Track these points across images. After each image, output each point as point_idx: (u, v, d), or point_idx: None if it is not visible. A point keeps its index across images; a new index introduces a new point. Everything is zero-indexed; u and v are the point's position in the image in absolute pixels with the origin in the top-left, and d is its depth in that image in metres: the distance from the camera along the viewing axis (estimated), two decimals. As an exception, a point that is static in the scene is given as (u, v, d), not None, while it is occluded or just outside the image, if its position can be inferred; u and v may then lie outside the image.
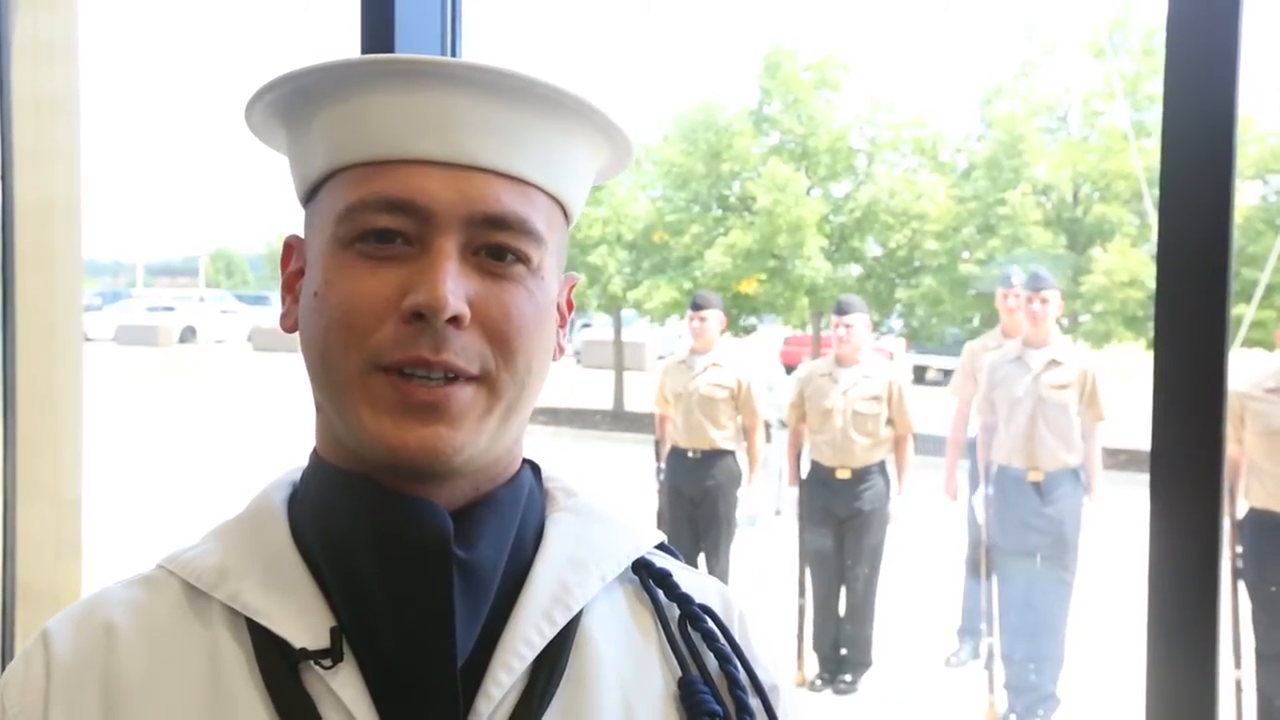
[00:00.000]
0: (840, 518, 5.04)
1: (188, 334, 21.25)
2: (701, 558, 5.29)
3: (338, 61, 0.71)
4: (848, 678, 5.08)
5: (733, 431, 5.29)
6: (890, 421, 5.00)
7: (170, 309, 22.16)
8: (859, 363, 5.03)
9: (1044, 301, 4.65)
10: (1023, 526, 4.72)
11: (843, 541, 5.08)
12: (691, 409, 5.23)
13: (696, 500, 5.29)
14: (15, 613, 2.30)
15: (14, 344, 2.31)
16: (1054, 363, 4.66)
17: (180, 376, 17.09)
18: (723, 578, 5.22)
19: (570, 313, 0.81)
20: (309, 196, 0.76)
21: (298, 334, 0.75)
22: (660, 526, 5.24)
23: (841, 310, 5.05)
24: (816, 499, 5.10)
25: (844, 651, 5.11)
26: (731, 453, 5.29)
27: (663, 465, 5.41)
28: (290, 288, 0.78)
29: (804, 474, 5.19)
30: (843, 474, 5.00)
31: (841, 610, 5.14)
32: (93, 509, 2.47)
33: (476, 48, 1.87)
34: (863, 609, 5.09)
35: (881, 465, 5.05)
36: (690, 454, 5.27)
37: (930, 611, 5.79)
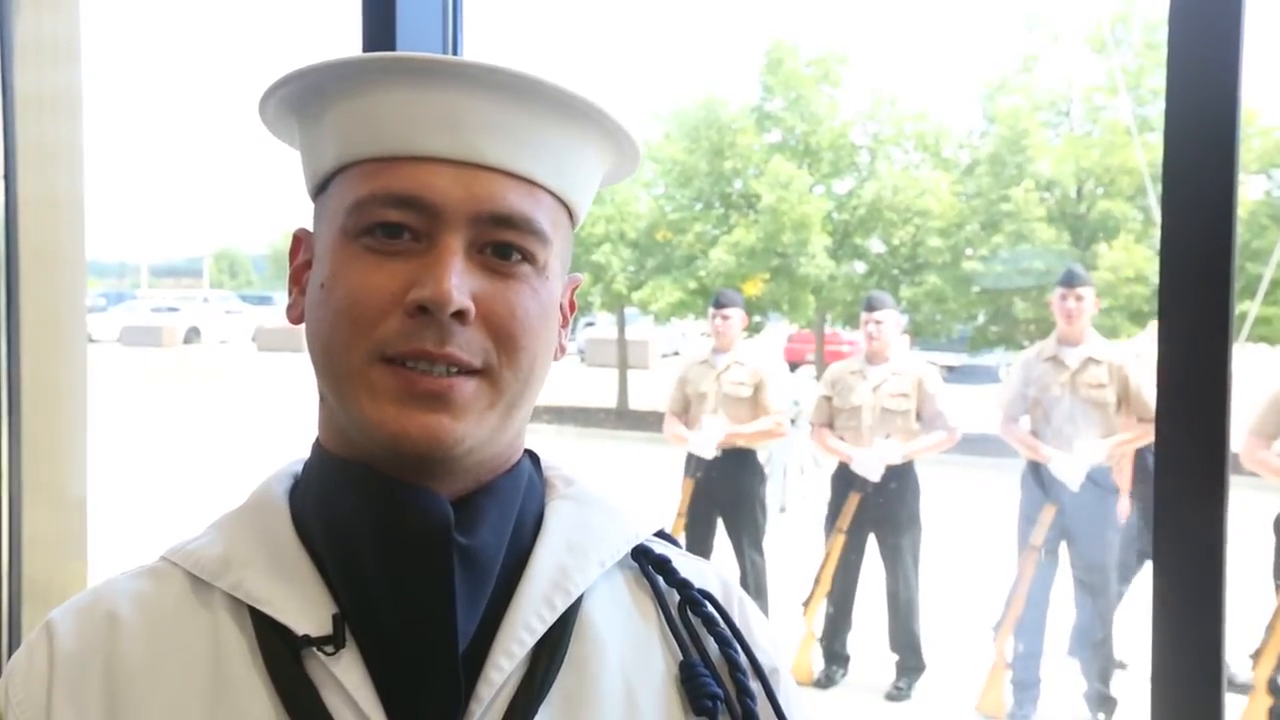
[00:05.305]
0: (864, 516, 5.01)
1: (192, 335, 21.29)
2: (733, 555, 5.23)
3: (351, 58, 0.72)
4: (902, 684, 5.00)
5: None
6: (919, 417, 4.95)
7: (175, 310, 22.18)
8: (888, 360, 4.99)
9: (1079, 299, 4.53)
10: (1055, 525, 4.65)
11: (864, 541, 5.04)
12: (715, 408, 5.18)
13: (722, 499, 5.23)
14: (21, 611, 2.31)
15: (18, 345, 2.31)
16: (1091, 360, 4.54)
17: (185, 377, 17.11)
18: (758, 573, 5.20)
19: (572, 313, 0.82)
20: (319, 190, 0.77)
21: (303, 326, 0.76)
22: (684, 525, 5.25)
23: (871, 306, 5.01)
24: (840, 496, 5.06)
25: (896, 658, 5.04)
26: (753, 449, 5.26)
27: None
28: (298, 279, 0.79)
29: (830, 471, 5.16)
30: None
31: (886, 613, 5.07)
32: (98, 508, 2.48)
33: (478, 45, 1.87)
34: (907, 610, 5.02)
35: (909, 464, 4.98)
36: (713, 453, 5.20)
37: (949, 609, 5.76)
